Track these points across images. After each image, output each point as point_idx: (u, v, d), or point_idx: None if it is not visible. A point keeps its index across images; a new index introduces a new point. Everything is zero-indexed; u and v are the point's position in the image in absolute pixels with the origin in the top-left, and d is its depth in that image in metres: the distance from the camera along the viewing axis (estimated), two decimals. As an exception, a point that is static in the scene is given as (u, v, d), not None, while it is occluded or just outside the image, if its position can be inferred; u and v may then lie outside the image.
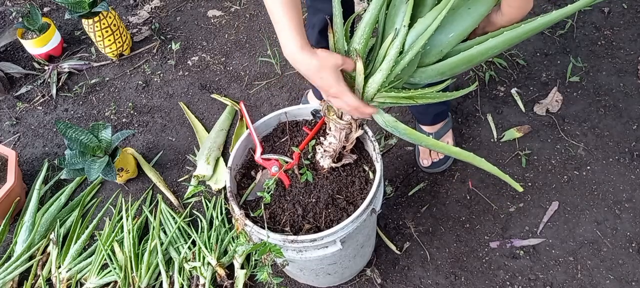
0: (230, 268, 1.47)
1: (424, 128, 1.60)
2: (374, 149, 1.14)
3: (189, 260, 1.46)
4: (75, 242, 1.56)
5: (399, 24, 0.89)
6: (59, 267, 1.51)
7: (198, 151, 1.76)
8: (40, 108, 2.02)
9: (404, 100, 0.94)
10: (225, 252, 1.48)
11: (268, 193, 1.08)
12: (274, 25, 0.89)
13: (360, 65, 0.91)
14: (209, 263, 1.43)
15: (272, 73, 1.98)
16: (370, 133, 1.16)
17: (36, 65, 2.15)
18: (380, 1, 0.87)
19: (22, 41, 2.07)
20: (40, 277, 1.50)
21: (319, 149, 1.12)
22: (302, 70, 0.90)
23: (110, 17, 1.98)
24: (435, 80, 0.96)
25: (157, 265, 1.47)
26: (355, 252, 1.24)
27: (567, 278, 1.37)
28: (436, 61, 0.93)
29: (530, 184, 1.55)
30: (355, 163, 1.17)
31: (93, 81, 2.07)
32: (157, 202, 1.63)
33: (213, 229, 1.50)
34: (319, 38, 1.42)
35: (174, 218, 1.57)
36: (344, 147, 1.13)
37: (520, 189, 0.94)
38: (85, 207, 1.68)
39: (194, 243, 1.50)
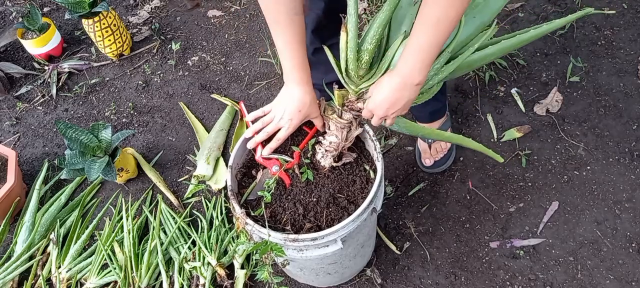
0: (230, 268, 1.47)
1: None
2: (374, 149, 1.14)
3: (189, 260, 1.45)
4: (75, 242, 1.55)
5: (407, 25, 0.91)
6: (59, 267, 1.51)
7: (198, 151, 1.76)
8: (40, 108, 2.02)
9: None
10: (225, 252, 1.48)
11: (269, 192, 1.08)
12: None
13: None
14: (209, 263, 1.43)
15: (272, 73, 1.98)
16: (371, 132, 1.16)
17: (36, 65, 2.15)
18: (394, 2, 0.87)
19: (22, 41, 2.07)
20: (40, 277, 1.50)
21: (319, 149, 1.12)
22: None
23: (110, 17, 1.98)
24: (434, 82, 0.98)
25: (157, 265, 1.46)
26: (355, 251, 1.24)
27: (567, 278, 1.37)
28: None
29: (530, 184, 1.55)
30: (356, 163, 1.17)
31: (93, 81, 2.07)
32: (157, 202, 1.63)
33: (213, 229, 1.50)
34: (312, 38, 1.40)
35: (174, 218, 1.57)
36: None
37: (501, 160, 1.00)
38: (85, 207, 1.68)
39: (194, 243, 1.50)
